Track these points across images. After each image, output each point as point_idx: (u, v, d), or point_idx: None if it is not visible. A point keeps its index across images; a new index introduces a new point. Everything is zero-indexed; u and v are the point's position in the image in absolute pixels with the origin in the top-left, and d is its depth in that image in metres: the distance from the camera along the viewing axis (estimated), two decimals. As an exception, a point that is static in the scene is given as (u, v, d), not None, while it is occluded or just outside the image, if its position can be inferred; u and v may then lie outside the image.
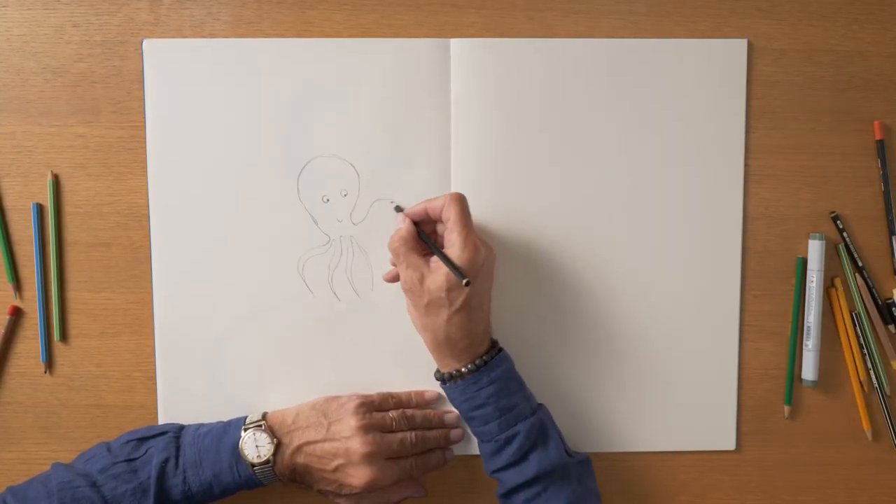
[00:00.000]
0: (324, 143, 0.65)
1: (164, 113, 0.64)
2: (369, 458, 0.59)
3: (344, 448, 0.59)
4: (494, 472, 0.61)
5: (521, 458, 0.59)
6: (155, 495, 0.57)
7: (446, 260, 0.57)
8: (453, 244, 0.58)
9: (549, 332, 0.66)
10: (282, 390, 0.66)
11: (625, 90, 0.66)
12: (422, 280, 0.58)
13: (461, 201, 0.59)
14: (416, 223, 0.61)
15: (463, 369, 0.60)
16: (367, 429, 0.60)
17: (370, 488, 0.59)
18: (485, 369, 0.60)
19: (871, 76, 0.67)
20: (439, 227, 0.62)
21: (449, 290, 0.57)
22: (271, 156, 0.65)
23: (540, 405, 0.63)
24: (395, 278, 0.62)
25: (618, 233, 0.66)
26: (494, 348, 0.62)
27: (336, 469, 0.59)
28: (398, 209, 0.64)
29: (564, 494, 0.58)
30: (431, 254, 0.60)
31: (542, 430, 0.60)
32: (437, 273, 0.58)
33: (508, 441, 0.59)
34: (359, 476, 0.59)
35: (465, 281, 0.56)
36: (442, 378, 0.62)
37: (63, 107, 0.65)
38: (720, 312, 0.68)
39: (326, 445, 0.60)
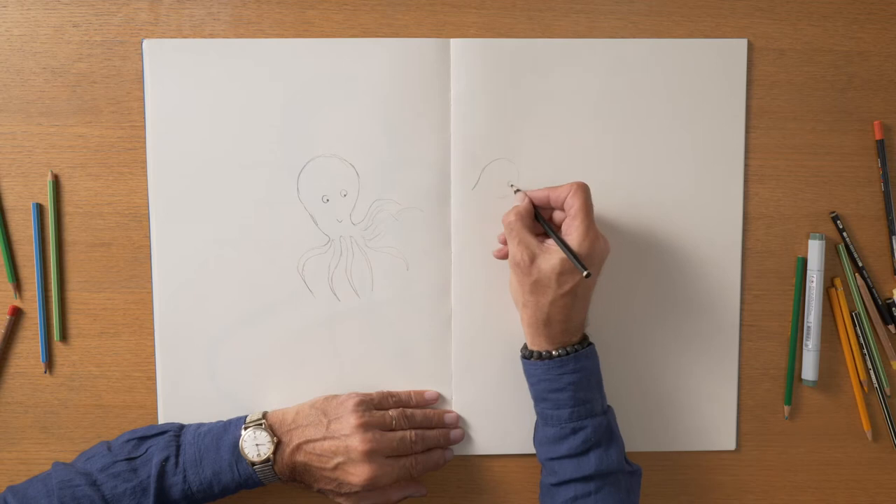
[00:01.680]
0: (324, 143, 0.65)
1: (163, 113, 0.64)
2: (369, 455, 0.59)
3: (344, 446, 0.59)
4: (551, 459, 0.60)
5: (583, 452, 0.59)
6: (155, 494, 0.57)
7: (565, 247, 0.57)
8: (574, 232, 0.58)
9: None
10: (282, 390, 0.66)
11: (625, 90, 0.66)
12: (533, 258, 0.58)
13: (586, 191, 0.59)
14: (533, 205, 0.61)
15: (554, 352, 0.59)
16: (366, 427, 0.60)
17: (370, 486, 0.59)
18: (574, 356, 0.59)
19: (871, 76, 0.67)
20: (556, 215, 0.62)
21: (560, 273, 0.57)
22: (271, 156, 0.65)
23: (609, 408, 0.62)
24: (504, 255, 0.63)
25: (618, 233, 0.66)
26: (586, 340, 0.62)
27: (336, 467, 0.59)
28: (517, 191, 0.64)
29: (613, 500, 0.58)
30: (545, 236, 0.61)
31: (609, 431, 0.60)
32: (551, 255, 0.58)
33: (575, 431, 0.59)
34: (358, 474, 0.59)
35: (585, 273, 0.56)
36: (530, 354, 0.61)
37: (63, 107, 0.65)
38: (720, 312, 0.68)
39: (326, 443, 0.60)
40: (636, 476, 0.62)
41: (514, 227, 0.60)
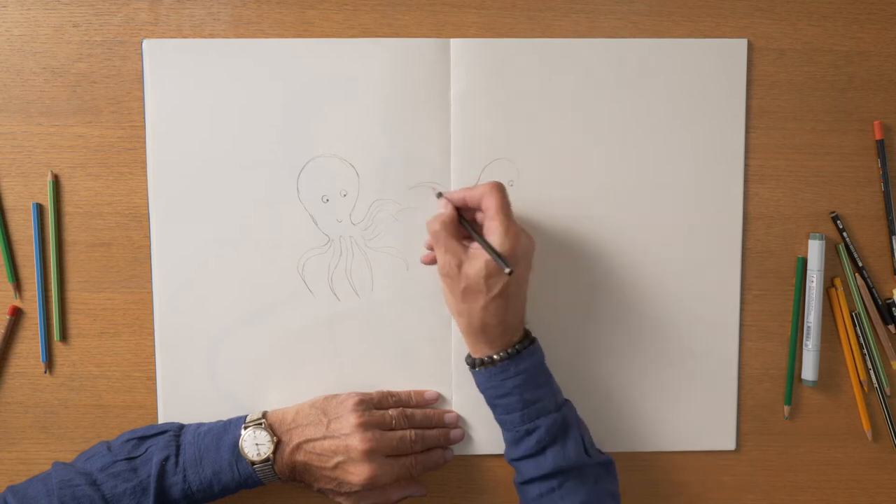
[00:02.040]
0: (323, 143, 0.65)
1: (164, 113, 0.64)
2: (369, 454, 0.59)
3: (343, 445, 0.59)
4: (513, 460, 0.60)
5: (539, 451, 0.59)
6: (155, 494, 0.57)
7: (488, 247, 0.57)
8: (494, 232, 0.57)
9: (546, 331, 0.66)
10: (282, 390, 0.66)
11: (625, 90, 0.66)
12: (460, 265, 0.58)
13: (501, 190, 0.59)
14: (456, 209, 0.61)
15: (495, 356, 0.59)
16: (366, 426, 0.60)
17: (370, 485, 0.59)
18: (515, 359, 0.59)
19: (871, 76, 0.67)
20: (478, 216, 0.61)
21: (487, 276, 0.57)
22: (271, 156, 0.65)
23: (566, 401, 0.62)
24: (432, 261, 0.62)
25: (617, 233, 0.66)
26: (527, 338, 0.61)
27: (336, 466, 0.59)
28: (439, 194, 0.63)
29: (578, 494, 0.58)
30: (470, 239, 0.60)
31: (564, 427, 0.60)
32: (477, 259, 0.57)
33: (528, 433, 0.59)
34: (358, 473, 0.59)
35: (507, 270, 0.55)
36: (473, 363, 0.61)
37: (63, 107, 0.65)
38: (720, 312, 0.68)
39: (326, 443, 0.60)
40: (606, 466, 0.61)
41: (440, 235, 0.59)
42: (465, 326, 0.60)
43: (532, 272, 0.65)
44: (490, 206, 0.58)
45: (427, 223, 0.61)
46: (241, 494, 0.61)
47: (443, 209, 0.61)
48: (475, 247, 0.59)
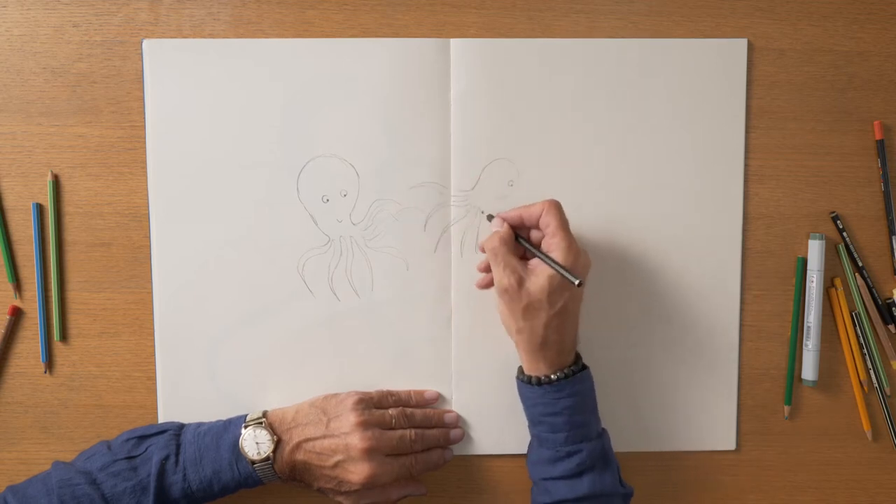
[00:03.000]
0: (323, 143, 0.65)
1: (163, 113, 0.64)
2: (368, 453, 0.59)
3: (343, 444, 0.59)
4: (545, 479, 0.60)
5: (577, 474, 0.59)
6: (154, 493, 0.57)
7: (553, 263, 0.57)
8: (557, 248, 0.58)
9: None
10: (282, 390, 0.66)
11: (625, 90, 0.66)
12: (521, 282, 0.58)
13: (560, 207, 0.59)
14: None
15: (553, 376, 0.59)
16: (366, 425, 0.60)
17: (369, 484, 0.59)
18: (571, 380, 0.59)
19: (871, 76, 0.67)
20: (534, 234, 0.62)
21: (550, 292, 0.57)
22: (271, 156, 0.65)
23: (604, 430, 0.62)
24: (487, 284, 0.63)
25: (618, 232, 0.66)
26: (579, 361, 0.61)
27: (335, 465, 0.59)
28: (490, 217, 0.64)
29: None
30: (525, 258, 0.60)
31: (604, 455, 0.60)
32: (539, 276, 0.58)
33: (570, 455, 0.59)
34: (358, 472, 0.59)
35: (577, 282, 0.56)
36: (529, 380, 0.61)
37: (63, 107, 0.65)
38: (720, 312, 0.68)
39: (326, 442, 0.60)
40: (627, 497, 0.61)
41: (499, 252, 0.59)
42: (525, 344, 0.59)
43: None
44: (551, 222, 0.59)
45: (482, 243, 0.61)
46: (241, 494, 0.61)
47: (497, 227, 0.61)
48: (535, 263, 0.59)
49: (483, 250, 0.62)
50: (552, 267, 0.57)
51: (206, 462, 0.58)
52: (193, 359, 0.66)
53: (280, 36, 0.65)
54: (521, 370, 0.62)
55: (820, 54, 0.67)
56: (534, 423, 0.61)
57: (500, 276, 0.59)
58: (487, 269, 0.63)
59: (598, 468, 0.59)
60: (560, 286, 0.57)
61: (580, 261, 0.58)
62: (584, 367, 0.61)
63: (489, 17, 0.66)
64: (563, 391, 0.59)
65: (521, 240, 0.61)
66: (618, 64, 0.66)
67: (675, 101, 0.66)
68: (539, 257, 0.59)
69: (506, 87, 0.65)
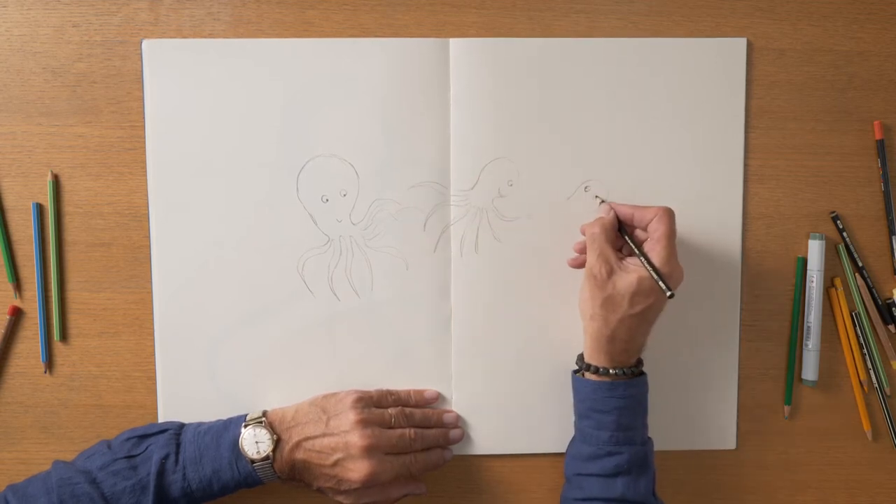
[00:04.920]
0: (323, 143, 0.65)
1: (163, 113, 0.64)
2: (368, 451, 0.59)
3: (343, 442, 0.59)
4: (579, 474, 0.60)
5: (612, 475, 0.59)
6: (154, 492, 0.57)
7: (652, 267, 0.57)
8: (658, 255, 0.58)
9: (546, 330, 0.66)
10: (281, 390, 0.66)
11: (624, 90, 0.66)
12: (610, 273, 0.58)
13: (673, 217, 0.59)
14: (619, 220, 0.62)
15: (611, 370, 0.59)
16: (365, 423, 0.60)
17: (369, 483, 0.59)
18: (626, 383, 0.59)
19: (871, 76, 0.67)
20: (638, 234, 0.62)
21: (635, 293, 0.57)
22: (271, 156, 0.65)
23: (649, 439, 0.62)
24: (579, 265, 0.63)
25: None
26: (640, 365, 0.62)
27: (335, 463, 0.59)
28: (601, 200, 0.64)
29: None
30: (622, 251, 0.61)
31: (644, 462, 0.60)
32: (629, 274, 0.58)
33: (610, 454, 0.59)
34: (358, 470, 0.59)
35: (669, 293, 0.57)
36: (586, 367, 0.61)
37: (63, 107, 0.65)
38: (720, 312, 0.68)
39: (325, 440, 0.60)
40: None
41: (598, 238, 0.60)
42: (595, 331, 0.60)
43: (532, 270, 0.65)
44: (660, 228, 0.59)
45: (586, 225, 0.61)
46: (241, 494, 0.60)
47: (604, 213, 0.61)
48: (629, 261, 0.59)
49: (583, 231, 0.63)
50: (649, 271, 0.57)
51: (205, 461, 0.58)
52: (193, 359, 0.66)
53: (280, 36, 0.65)
54: (580, 358, 0.62)
55: (820, 54, 0.67)
56: (581, 416, 0.61)
57: (593, 261, 0.59)
58: (581, 251, 0.63)
59: (635, 474, 0.59)
60: (647, 290, 0.57)
61: (675, 274, 0.59)
62: (643, 373, 0.61)
63: (489, 17, 0.66)
64: (615, 391, 0.59)
65: (625, 235, 0.61)
66: (617, 64, 0.66)
67: (675, 100, 0.66)
68: (639, 257, 0.59)
69: (505, 87, 0.65)
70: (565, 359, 0.66)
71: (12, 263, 0.65)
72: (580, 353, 0.63)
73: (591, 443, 0.60)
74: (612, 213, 0.62)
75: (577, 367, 0.63)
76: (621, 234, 0.62)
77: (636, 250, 0.60)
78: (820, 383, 0.68)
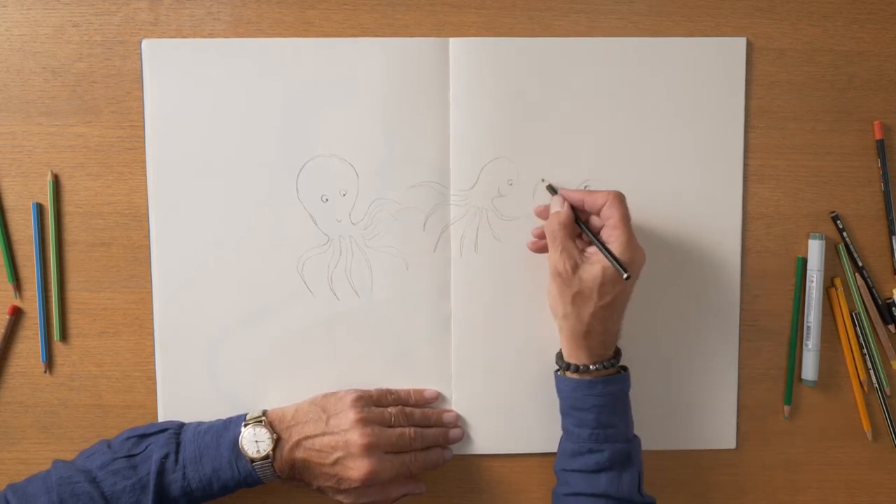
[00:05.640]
0: (323, 143, 0.65)
1: (163, 113, 0.64)
2: (368, 449, 0.59)
3: (343, 441, 0.59)
4: (565, 470, 0.61)
5: (594, 471, 0.59)
6: (154, 491, 0.56)
7: (609, 254, 0.57)
8: (616, 241, 0.58)
9: (546, 330, 0.66)
10: (281, 390, 0.66)
11: (624, 90, 0.66)
12: (575, 268, 0.58)
13: (624, 200, 0.59)
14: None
15: (591, 366, 0.59)
16: (365, 421, 0.60)
17: (369, 481, 0.59)
18: (605, 380, 0.59)
19: (871, 76, 0.67)
20: (593, 220, 0.62)
21: (602, 284, 0.57)
22: (270, 155, 0.65)
23: (636, 437, 0.62)
24: (540, 249, 0.63)
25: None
26: (619, 356, 0.61)
27: (335, 462, 0.59)
28: (551, 189, 0.64)
29: None
30: (581, 240, 0.61)
31: (627, 459, 0.60)
32: (594, 265, 0.58)
33: (591, 451, 0.59)
34: (358, 468, 0.59)
35: (625, 276, 0.56)
36: (567, 367, 0.61)
37: (63, 107, 0.65)
38: (720, 312, 0.68)
39: (325, 439, 0.60)
40: None
41: (558, 234, 0.59)
42: (570, 329, 0.60)
43: (533, 270, 0.65)
44: (613, 215, 0.59)
45: (547, 221, 0.61)
46: (241, 494, 0.60)
47: (559, 207, 0.61)
48: (591, 252, 0.59)
49: (538, 215, 0.63)
50: (607, 258, 0.57)
51: (205, 460, 0.58)
52: (193, 358, 0.66)
53: (280, 36, 0.65)
54: (559, 357, 0.62)
55: (820, 54, 0.67)
56: (564, 413, 0.62)
57: (557, 259, 0.59)
58: (541, 237, 0.63)
59: (617, 470, 0.59)
60: (612, 279, 0.57)
61: (636, 258, 0.58)
62: (624, 370, 0.61)
63: (489, 16, 0.66)
64: (594, 389, 0.59)
65: (581, 226, 0.61)
66: (617, 63, 0.66)
67: (675, 100, 0.66)
68: (597, 246, 0.59)
69: (505, 87, 0.65)
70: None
71: (12, 263, 0.65)
72: (558, 350, 0.62)
73: (572, 440, 0.60)
74: (566, 206, 0.61)
75: (557, 367, 0.63)
76: (578, 224, 0.61)
77: (594, 239, 0.59)
78: (820, 383, 0.68)
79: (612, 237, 0.58)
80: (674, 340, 0.67)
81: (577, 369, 0.60)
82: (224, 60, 0.64)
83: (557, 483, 0.62)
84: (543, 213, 0.64)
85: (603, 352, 0.60)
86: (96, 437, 0.66)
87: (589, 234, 0.60)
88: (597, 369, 0.59)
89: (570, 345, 0.60)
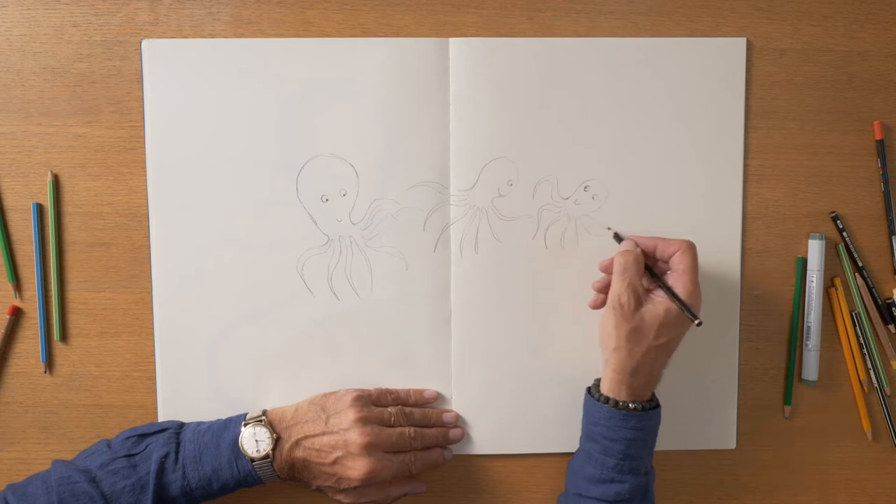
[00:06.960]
0: (323, 143, 0.65)
1: (163, 113, 0.64)
2: (368, 448, 0.59)
3: (342, 440, 0.59)
4: (579, 494, 0.60)
5: (614, 502, 0.58)
6: (154, 490, 0.57)
7: (678, 300, 0.58)
8: (683, 287, 0.59)
9: (547, 329, 0.66)
10: (281, 390, 0.66)
11: (624, 90, 0.66)
12: (638, 305, 0.58)
13: (695, 250, 0.60)
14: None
15: (631, 405, 0.59)
16: (365, 421, 0.60)
17: (369, 481, 0.59)
18: (639, 415, 0.59)
19: (871, 76, 0.67)
20: (659, 265, 0.62)
21: (662, 324, 0.58)
22: (270, 155, 0.65)
23: (652, 468, 0.62)
24: (599, 305, 0.64)
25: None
26: (655, 397, 0.61)
27: (335, 462, 0.59)
28: (617, 236, 0.64)
29: None
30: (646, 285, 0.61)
31: (645, 492, 0.60)
32: (657, 306, 0.58)
33: (613, 481, 0.59)
34: (357, 467, 0.59)
35: (697, 322, 0.57)
36: (605, 400, 0.60)
37: (63, 107, 0.65)
38: (720, 312, 0.67)
39: (325, 438, 0.60)
40: None
41: (629, 268, 0.59)
42: (618, 364, 0.59)
43: (534, 269, 0.65)
44: (684, 261, 0.59)
45: (616, 256, 0.61)
46: (241, 494, 0.61)
47: (630, 248, 0.61)
48: (657, 294, 0.60)
49: (603, 269, 0.64)
50: (677, 304, 0.58)
51: (205, 460, 0.58)
52: (193, 358, 0.66)
53: (280, 36, 0.65)
54: (596, 385, 0.62)
55: (820, 54, 0.67)
56: (588, 438, 0.61)
57: (622, 291, 0.59)
58: (603, 290, 0.63)
59: (636, 502, 0.59)
60: (673, 322, 0.58)
61: (697, 303, 0.59)
62: (657, 406, 0.61)
63: (489, 16, 0.66)
64: (629, 422, 0.58)
65: (651, 271, 0.61)
66: (617, 64, 0.66)
67: (675, 100, 0.66)
68: (665, 291, 0.59)
69: (505, 87, 0.65)
70: (565, 358, 0.66)
71: (12, 263, 0.65)
72: (596, 379, 0.62)
73: (595, 466, 0.59)
74: (638, 249, 0.61)
75: (592, 394, 0.61)
76: (647, 270, 0.61)
77: (660, 281, 0.60)
78: (820, 383, 0.68)
79: (680, 282, 0.59)
80: (674, 340, 0.67)
81: (616, 404, 0.59)
82: (224, 60, 0.64)
83: (567, 501, 0.61)
84: (608, 268, 0.63)
85: (644, 393, 0.59)
86: (96, 437, 0.66)
87: (658, 278, 0.61)
88: (634, 409, 0.59)
89: (614, 378, 0.59)
